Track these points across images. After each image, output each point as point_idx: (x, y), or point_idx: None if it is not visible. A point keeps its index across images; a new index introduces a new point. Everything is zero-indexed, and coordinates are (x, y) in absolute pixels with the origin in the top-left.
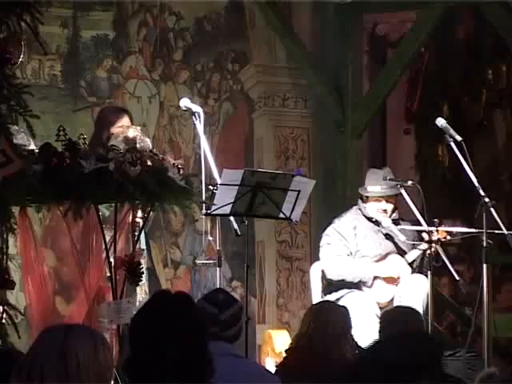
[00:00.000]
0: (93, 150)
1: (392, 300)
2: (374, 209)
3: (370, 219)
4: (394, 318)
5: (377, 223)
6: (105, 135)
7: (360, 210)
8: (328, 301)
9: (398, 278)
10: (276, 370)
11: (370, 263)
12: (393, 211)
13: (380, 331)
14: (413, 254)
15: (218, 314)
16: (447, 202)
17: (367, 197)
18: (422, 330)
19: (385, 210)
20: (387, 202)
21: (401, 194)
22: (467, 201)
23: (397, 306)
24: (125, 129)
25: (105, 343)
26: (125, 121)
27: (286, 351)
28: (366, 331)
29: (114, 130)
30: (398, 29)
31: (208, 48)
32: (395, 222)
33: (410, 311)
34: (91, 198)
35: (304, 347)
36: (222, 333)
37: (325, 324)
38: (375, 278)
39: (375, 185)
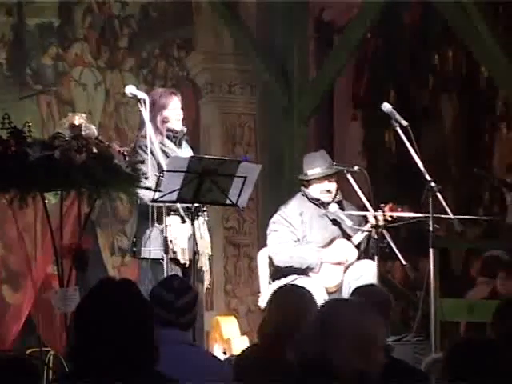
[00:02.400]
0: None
1: (340, 284)
2: (318, 191)
3: (316, 202)
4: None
5: (323, 205)
6: (159, 120)
7: (305, 195)
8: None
9: (346, 261)
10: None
11: (318, 249)
12: (336, 190)
13: None
14: (358, 237)
15: (174, 301)
16: (395, 187)
17: (308, 181)
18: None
19: (329, 191)
20: (329, 181)
21: (347, 179)
22: (415, 186)
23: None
24: (70, 116)
25: None
26: (176, 102)
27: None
28: None
29: (169, 113)
30: (344, 14)
31: (154, 35)
32: (341, 207)
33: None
34: (37, 186)
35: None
36: (178, 319)
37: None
38: (322, 262)
39: (315, 167)
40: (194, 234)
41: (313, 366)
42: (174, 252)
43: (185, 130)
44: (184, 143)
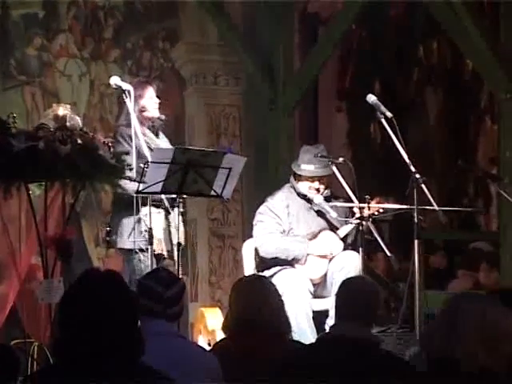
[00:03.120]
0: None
1: (325, 276)
2: (307, 187)
3: (302, 196)
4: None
5: (309, 201)
6: (137, 110)
7: (293, 187)
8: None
9: (331, 254)
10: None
11: (304, 240)
12: (325, 189)
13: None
14: (344, 230)
15: (163, 292)
16: (380, 179)
17: (300, 175)
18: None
19: (317, 190)
20: (320, 182)
21: (332, 171)
22: (400, 178)
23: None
24: (55, 107)
25: None
26: (151, 91)
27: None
28: (299, 308)
29: (145, 102)
30: (329, 6)
31: (138, 26)
32: (327, 199)
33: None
34: (21, 176)
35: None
36: (166, 311)
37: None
38: (308, 254)
39: (309, 163)
40: (168, 226)
41: (439, 363)
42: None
43: (163, 117)
44: (161, 133)
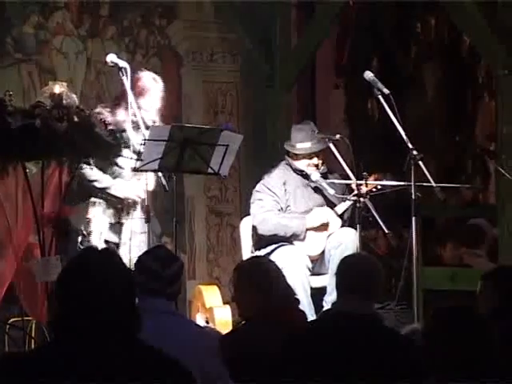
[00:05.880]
0: None
1: (322, 253)
2: (305, 164)
3: (300, 173)
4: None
5: (306, 176)
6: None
7: (288, 164)
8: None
9: (327, 227)
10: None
11: (302, 217)
12: (322, 164)
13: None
14: (342, 206)
15: (162, 270)
16: (378, 156)
17: (296, 154)
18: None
19: (316, 165)
20: (318, 157)
21: (329, 148)
22: (398, 155)
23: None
24: (51, 85)
25: None
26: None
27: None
28: (298, 284)
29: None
30: None
31: (135, 3)
32: (324, 176)
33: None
34: (18, 155)
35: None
36: (165, 289)
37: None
38: (307, 230)
39: (304, 141)
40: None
41: None
42: None
43: None
44: None
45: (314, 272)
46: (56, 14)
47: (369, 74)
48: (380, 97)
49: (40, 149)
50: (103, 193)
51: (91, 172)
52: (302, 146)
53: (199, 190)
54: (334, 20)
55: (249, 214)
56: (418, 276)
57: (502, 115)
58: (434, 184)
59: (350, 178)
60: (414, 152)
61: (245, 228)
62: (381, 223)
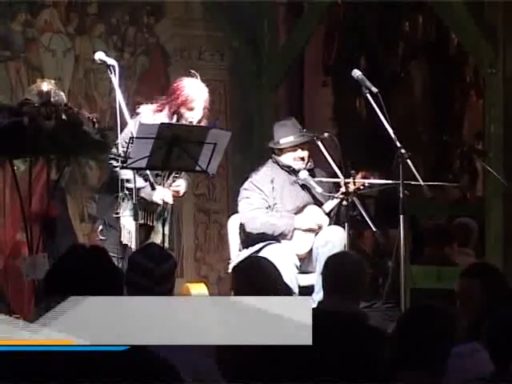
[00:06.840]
0: None
1: (310, 251)
2: (291, 158)
3: (287, 169)
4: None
5: (294, 172)
6: None
7: (276, 162)
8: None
9: (318, 228)
10: None
11: (290, 215)
12: (308, 158)
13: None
14: (330, 204)
15: (155, 269)
16: (366, 154)
17: (281, 149)
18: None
19: (302, 158)
20: (302, 149)
21: (317, 145)
22: (385, 153)
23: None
24: (39, 83)
25: None
26: None
27: None
28: (286, 282)
29: None
30: None
31: (123, 1)
32: (311, 174)
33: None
34: (5, 152)
35: None
36: (157, 287)
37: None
38: (294, 229)
39: (287, 136)
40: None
41: None
42: None
43: None
44: None
45: (302, 270)
46: (44, 11)
47: (357, 73)
48: (368, 95)
49: (28, 146)
50: (132, 192)
51: (125, 171)
52: (285, 140)
53: (187, 188)
54: (321, 19)
55: (236, 212)
56: (406, 275)
57: (490, 114)
58: (421, 182)
59: (337, 176)
60: (402, 150)
61: (232, 226)
62: (369, 221)
